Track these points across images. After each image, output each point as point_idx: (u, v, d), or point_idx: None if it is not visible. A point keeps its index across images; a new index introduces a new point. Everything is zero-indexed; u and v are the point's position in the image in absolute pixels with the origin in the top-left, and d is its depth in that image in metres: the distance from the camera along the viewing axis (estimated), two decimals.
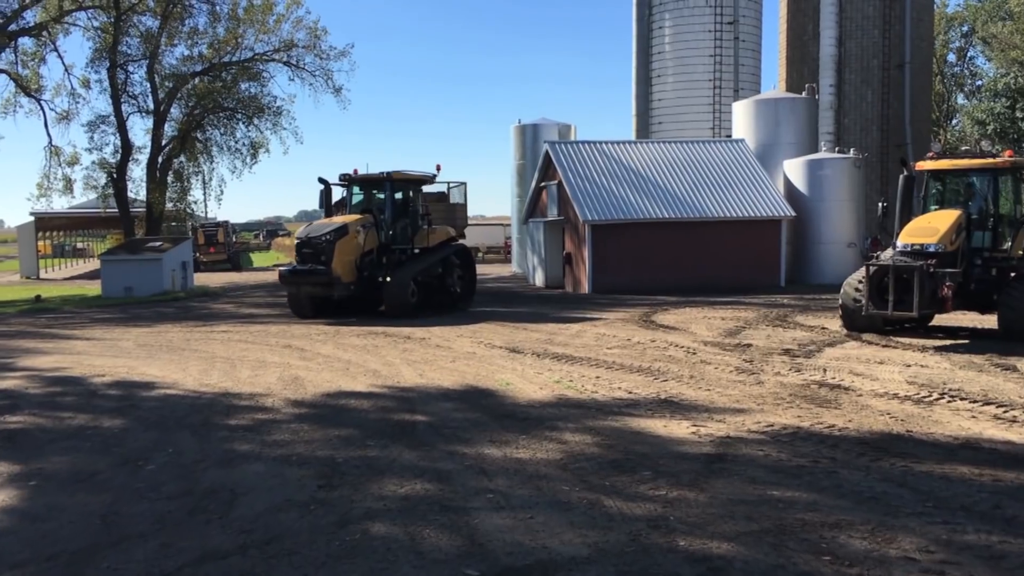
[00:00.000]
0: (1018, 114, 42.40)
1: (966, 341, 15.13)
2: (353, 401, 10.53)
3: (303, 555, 5.52)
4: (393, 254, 21.31)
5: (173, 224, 48.31)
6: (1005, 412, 9.39)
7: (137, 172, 40.22)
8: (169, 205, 41.25)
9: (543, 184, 30.82)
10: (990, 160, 15.86)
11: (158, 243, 33.25)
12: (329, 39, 48.13)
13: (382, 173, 21.47)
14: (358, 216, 21.26)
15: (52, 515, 6.37)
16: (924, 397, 10.27)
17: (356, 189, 22.38)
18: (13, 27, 33.64)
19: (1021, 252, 15.49)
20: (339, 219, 21.18)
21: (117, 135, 38.09)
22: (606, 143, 29.89)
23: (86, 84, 38.06)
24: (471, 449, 8.03)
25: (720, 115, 35.89)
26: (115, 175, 38.42)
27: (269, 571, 5.29)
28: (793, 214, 27.96)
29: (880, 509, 6.27)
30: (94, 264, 51.56)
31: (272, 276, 36.92)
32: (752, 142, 30.70)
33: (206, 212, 57.91)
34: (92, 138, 38.75)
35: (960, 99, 59.11)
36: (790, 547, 5.54)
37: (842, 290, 16.23)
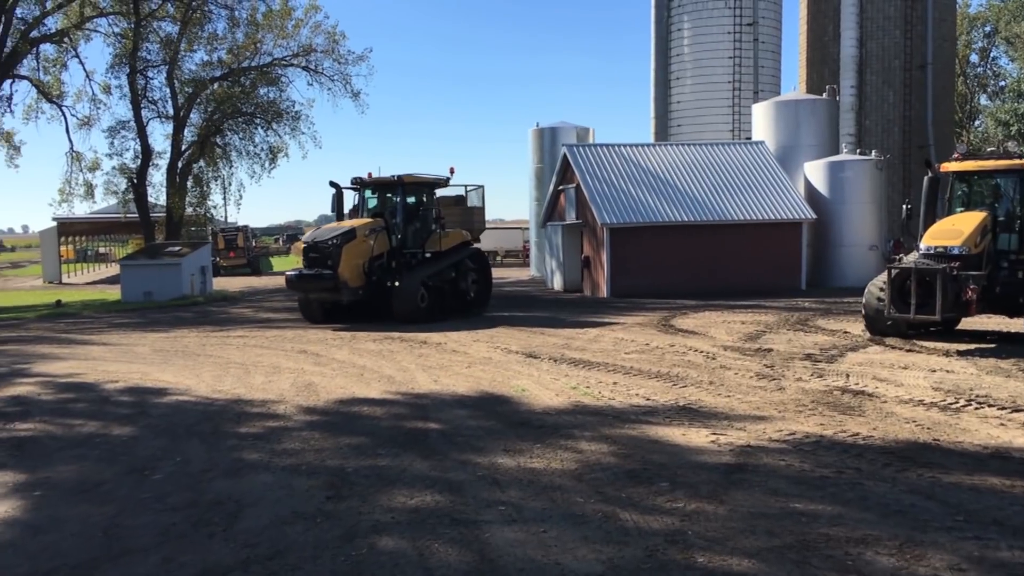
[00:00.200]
0: None
1: (992, 345, 14.78)
2: (366, 408, 10.37)
3: (306, 571, 5.35)
4: (403, 258, 21.10)
5: (193, 229, 48.53)
6: None
7: (157, 177, 40.47)
8: (189, 210, 41.37)
9: (561, 187, 30.63)
10: (1017, 161, 15.52)
11: (177, 248, 33.33)
12: (347, 43, 48.36)
13: (393, 176, 21.27)
14: (368, 220, 21.09)
15: (54, 527, 6.24)
16: (950, 404, 9.98)
17: (368, 193, 22.17)
18: (35, 34, 33.81)
19: None
20: (348, 223, 21.00)
21: (137, 140, 38.30)
22: (624, 146, 29.66)
23: (107, 90, 38.28)
24: (484, 458, 7.84)
25: (739, 117, 35.57)
26: (135, 180, 38.59)
27: None
28: (814, 217, 27.59)
29: (908, 523, 6.02)
30: (116, 269, 51.84)
31: None
32: (772, 144, 30.36)
33: (226, 217, 58.15)
34: (112, 143, 39.03)
35: (983, 100, 58.45)
36: (814, 564, 5.31)
37: (865, 293, 15.94)
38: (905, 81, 34.94)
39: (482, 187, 26.12)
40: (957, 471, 7.26)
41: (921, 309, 14.31)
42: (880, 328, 15.60)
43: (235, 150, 41.95)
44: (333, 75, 40.49)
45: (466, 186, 25.71)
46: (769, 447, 8.10)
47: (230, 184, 43.14)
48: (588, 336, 17.00)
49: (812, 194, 28.92)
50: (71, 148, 38.27)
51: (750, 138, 32.61)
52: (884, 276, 15.12)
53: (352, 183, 21.76)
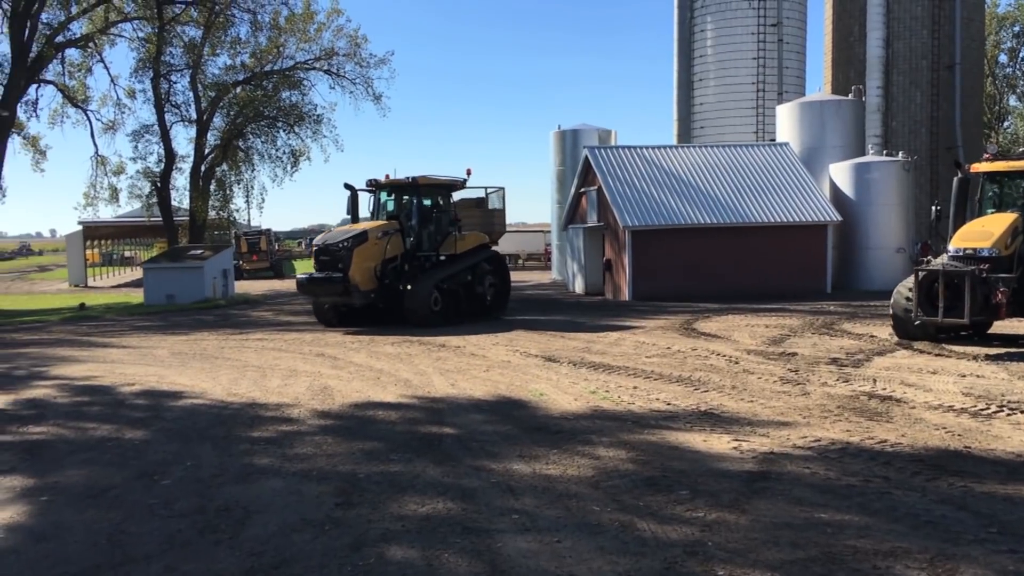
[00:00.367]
0: None
1: None
2: (381, 412, 10.21)
3: None
4: (417, 261, 20.88)
5: (216, 232, 48.74)
6: None
7: (180, 181, 40.74)
8: (212, 213, 41.58)
9: (583, 190, 30.42)
10: None
11: (199, 251, 33.45)
12: (369, 47, 48.38)
13: (408, 178, 21.06)
14: (381, 222, 20.90)
15: (58, 534, 6.11)
16: (982, 410, 9.67)
17: (384, 195, 21.96)
18: (60, 39, 34.07)
19: None
20: (359, 226, 20.82)
21: (161, 144, 38.53)
22: (646, 148, 29.40)
23: (132, 95, 38.53)
24: (499, 464, 7.65)
25: (763, 119, 35.18)
26: (159, 184, 38.83)
27: None
28: (839, 219, 27.18)
29: (939, 535, 5.76)
30: (140, 272, 52.23)
31: None
32: (797, 146, 29.97)
33: (249, 220, 58.45)
34: (136, 147, 39.25)
35: (1012, 100, 57.53)
36: None
37: (893, 296, 15.61)
38: (933, 82, 34.38)
39: (502, 189, 25.91)
40: (990, 480, 6.98)
41: (949, 312, 14.05)
42: (908, 332, 15.27)
43: (257, 153, 42.19)
44: (355, 78, 40.61)
45: (486, 188, 25.50)
46: (793, 454, 7.85)
47: (252, 187, 43.24)
48: (608, 340, 16.77)
49: (837, 196, 28.50)
50: (96, 152, 38.67)
51: (774, 140, 32.23)
52: (911, 279, 14.82)
53: (367, 185, 21.59)
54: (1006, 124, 56.36)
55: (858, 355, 14.00)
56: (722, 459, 7.74)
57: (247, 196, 43.63)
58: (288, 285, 42.34)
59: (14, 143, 34.20)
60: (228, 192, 42.50)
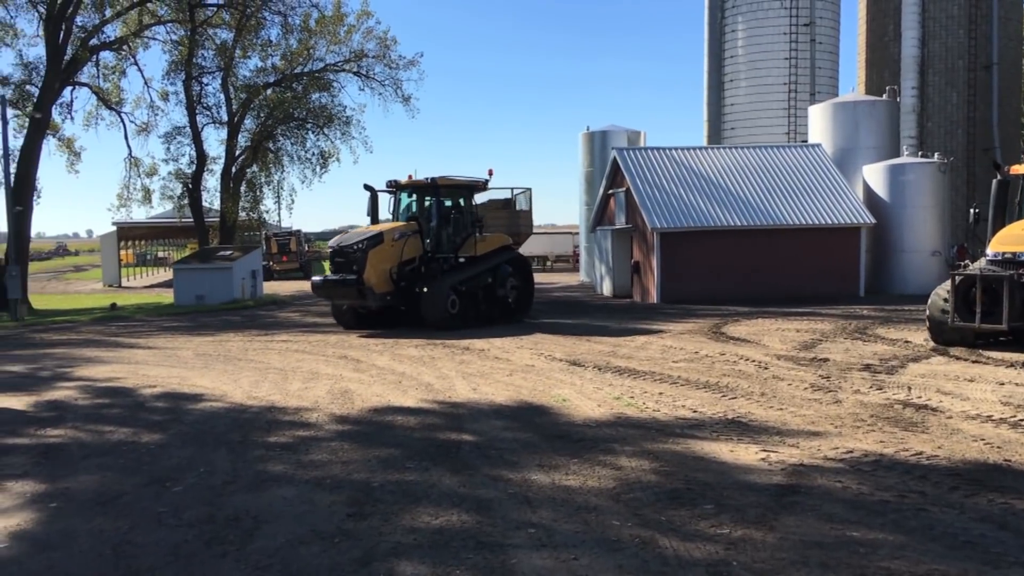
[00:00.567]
0: None
1: None
2: (400, 418, 10.02)
3: None
4: (435, 263, 20.64)
5: (247, 234, 49.02)
6: None
7: (211, 182, 40.97)
8: (242, 214, 41.75)
9: (611, 191, 30.11)
10: None
11: (229, 252, 33.59)
12: (398, 48, 48.41)
13: (427, 179, 20.82)
14: (399, 224, 20.72)
15: (63, 543, 5.97)
16: (1021, 420, 9.28)
17: (405, 196, 21.76)
18: (95, 41, 34.36)
19: None
20: (376, 227, 20.65)
21: (192, 146, 38.78)
22: (675, 149, 29.03)
23: (164, 97, 38.77)
24: (517, 474, 7.42)
25: (795, 120, 34.67)
26: (190, 185, 39.08)
27: None
28: (873, 221, 26.64)
29: (978, 556, 5.45)
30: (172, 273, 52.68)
31: None
32: (829, 147, 29.45)
33: (279, 221, 58.75)
34: (168, 149, 39.52)
35: None
36: None
37: (930, 300, 15.21)
38: (969, 82, 33.65)
39: (529, 190, 25.68)
40: None
41: (987, 318, 13.72)
42: (945, 337, 14.86)
43: (287, 155, 42.27)
44: (384, 80, 40.56)
45: (512, 189, 25.29)
46: (824, 466, 7.54)
47: (282, 189, 43.38)
48: (635, 343, 16.49)
49: (871, 198, 27.95)
50: (129, 154, 38.92)
51: (806, 141, 31.72)
52: (949, 284, 14.41)
53: (387, 186, 21.42)
54: None
55: (892, 361, 13.61)
56: (749, 471, 7.45)
57: (277, 197, 43.81)
58: None
59: (49, 144, 34.55)
60: (258, 193, 42.67)
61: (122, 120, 37.38)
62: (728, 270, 26.08)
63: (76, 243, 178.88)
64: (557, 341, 17.21)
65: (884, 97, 30.78)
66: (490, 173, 22.00)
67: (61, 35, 31.84)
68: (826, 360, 13.84)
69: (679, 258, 25.97)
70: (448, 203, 21.26)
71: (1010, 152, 31.87)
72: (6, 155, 28.78)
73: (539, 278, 24.13)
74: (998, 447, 8.15)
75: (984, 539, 5.75)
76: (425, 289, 19.86)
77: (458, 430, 9.31)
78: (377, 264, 19.48)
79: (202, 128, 39.05)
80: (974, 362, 13.48)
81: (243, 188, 41.36)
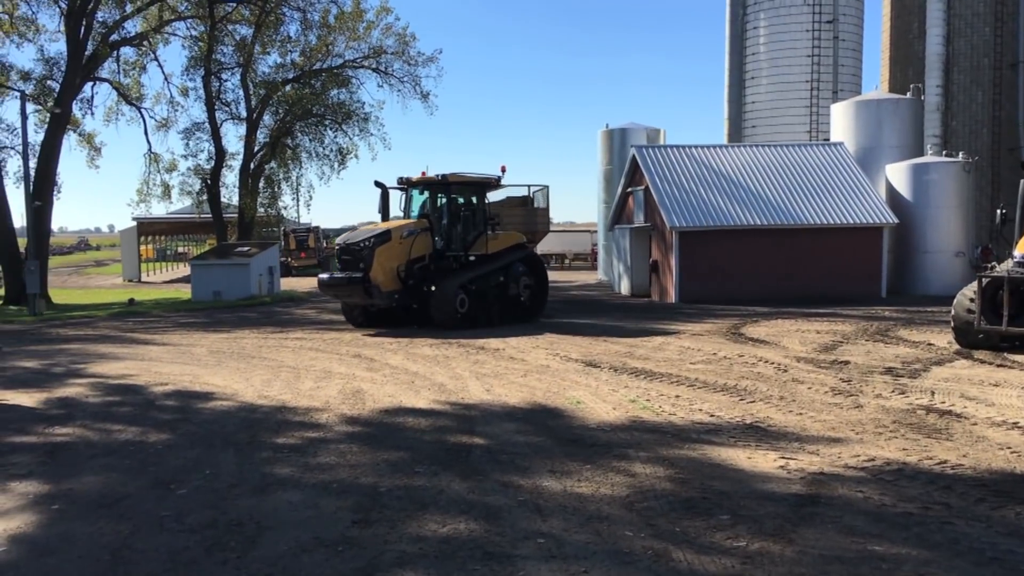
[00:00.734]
0: None
1: None
2: (411, 419, 9.86)
3: None
4: (444, 261, 20.38)
5: (265, 230, 49.07)
6: None
7: (230, 178, 41.03)
8: (260, 210, 41.80)
9: (630, 190, 29.85)
10: None
11: (246, 248, 33.61)
12: (417, 45, 48.30)
13: (438, 176, 20.55)
14: (408, 221, 20.48)
15: (62, 547, 5.84)
16: None
17: (416, 193, 21.53)
18: (115, 37, 34.46)
19: None
20: (384, 224, 20.43)
21: (211, 142, 38.86)
22: (695, 147, 28.73)
23: (184, 92, 38.91)
24: (527, 480, 7.24)
25: (817, 118, 34.29)
26: (209, 181, 39.17)
27: None
28: (896, 221, 26.24)
29: (1005, 574, 5.21)
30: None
31: None
32: (852, 146, 29.05)
33: (298, 217, 58.80)
34: (188, 145, 39.68)
35: None
36: None
37: (955, 302, 14.89)
38: (995, 80, 33.14)
39: (546, 187, 25.42)
40: None
41: (1014, 321, 13.47)
42: (970, 340, 14.55)
43: (305, 151, 42.31)
44: (403, 76, 40.56)
45: (530, 186, 25.04)
46: (845, 475, 7.31)
47: (300, 185, 43.40)
48: (652, 344, 16.26)
49: (894, 197, 27.54)
50: (149, 149, 39.07)
51: (828, 139, 31.32)
52: (975, 285, 14.11)
53: (398, 183, 21.21)
54: None
55: (915, 364, 13.32)
56: (767, 479, 7.24)
57: (295, 193, 43.82)
58: None
59: (70, 140, 34.70)
60: (276, 189, 42.75)
61: (142, 116, 37.55)
62: (748, 270, 25.78)
63: (98, 238, 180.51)
64: (573, 341, 17.01)
65: (908, 95, 30.33)
66: (503, 170, 21.71)
67: (82, 31, 31.96)
68: (847, 363, 13.56)
69: (698, 257, 25.70)
70: (460, 200, 21.00)
71: None
72: (26, 150, 28.89)
73: (557, 276, 23.84)
74: None
75: (1012, 555, 5.51)
76: (434, 288, 19.64)
77: (469, 433, 9.14)
78: (384, 262, 19.24)
79: (221, 124, 39.22)
80: (999, 366, 13.17)
81: (261, 184, 41.42)
